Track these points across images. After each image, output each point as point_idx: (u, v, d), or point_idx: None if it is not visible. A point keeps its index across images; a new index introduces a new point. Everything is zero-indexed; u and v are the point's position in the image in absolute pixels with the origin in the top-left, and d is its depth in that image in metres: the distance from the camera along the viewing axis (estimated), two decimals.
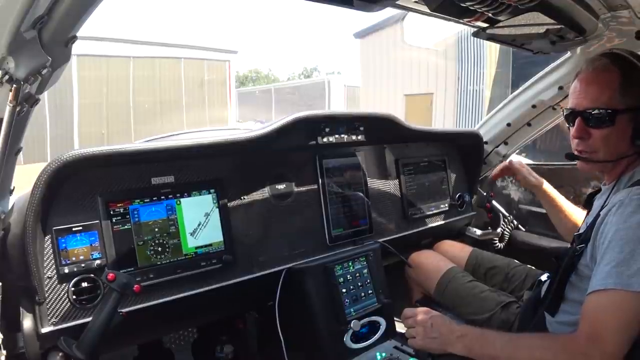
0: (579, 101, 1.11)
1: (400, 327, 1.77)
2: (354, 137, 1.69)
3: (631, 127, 1.06)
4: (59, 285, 1.12)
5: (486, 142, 2.17)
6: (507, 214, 2.23)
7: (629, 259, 0.93)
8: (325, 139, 1.61)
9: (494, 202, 2.26)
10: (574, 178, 2.00)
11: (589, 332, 0.94)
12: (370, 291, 1.55)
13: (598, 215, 1.07)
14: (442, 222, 2.05)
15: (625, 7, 1.27)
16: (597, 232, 1.03)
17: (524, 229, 2.22)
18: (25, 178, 1.19)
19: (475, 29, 1.38)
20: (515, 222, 2.22)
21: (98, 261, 1.16)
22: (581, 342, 0.95)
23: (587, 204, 1.28)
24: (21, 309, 1.11)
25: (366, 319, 1.49)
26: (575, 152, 1.16)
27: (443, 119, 12.10)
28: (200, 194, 1.36)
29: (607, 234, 0.99)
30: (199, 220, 1.35)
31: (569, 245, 1.23)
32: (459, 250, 1.93)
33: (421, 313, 1.23)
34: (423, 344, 1.19)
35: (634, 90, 1.05)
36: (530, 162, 2.42)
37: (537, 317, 1.24)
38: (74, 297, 1.13)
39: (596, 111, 1.07)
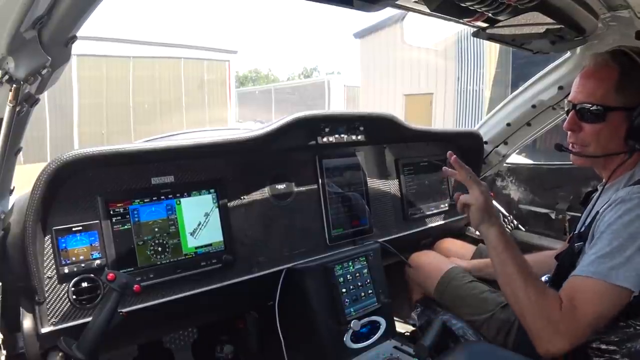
0: (575, 95, 1.12)
1: (400, 327, 1.78)
2: (353, 137, 1.69)
3: (625, 126, 1.06)
4: (59, 285, 1.12)
5: (486, 142, 2.17)
6: (507, 214, 2.24)
7: (614, 252, 0.95)
8: (325, 139, 1.61)
9: (494, 202, 2.26)
10: (573, 178, 2.01)
11: (567, 307, 0.97)
12: (370, 291, 1.55)
13: (597, 214, 1.07)
14: (442, 222, 2.05)
15: (625, 7, 1.27)
16: (594, 229, 1.04)
17: (524, 229, 2.22)
18: (25, 178, 1.19)
19: (475, 29, 1.38)
20: (515, 222, 2.22)
21: (98, 261, 1.17)
22: (561, 314, 0.97)
23: (584, 203, 1.29)
24: (21, 309, 1.11)
25: (366, 319, 1.50)
26: (569, 145, 1.17)
27: (443, 119, 12.10)
28: (200, 194, 1.36)
29: (601, 226, 1.01)
30: (199, 220, 1.35)
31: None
32: (460, 247, 1.93)
33: (485, 185, 1.19)
34: (475, 208, 1.15)
35: (631, 89, 1.05)
36: (530, 162, 2.42)
37: None
38: (74, 297, 1.13)
39: (589, 106, 1.08)
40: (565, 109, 1.18)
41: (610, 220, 0.99)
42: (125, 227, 1.22)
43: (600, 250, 0.97)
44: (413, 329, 1.76)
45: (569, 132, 1.15)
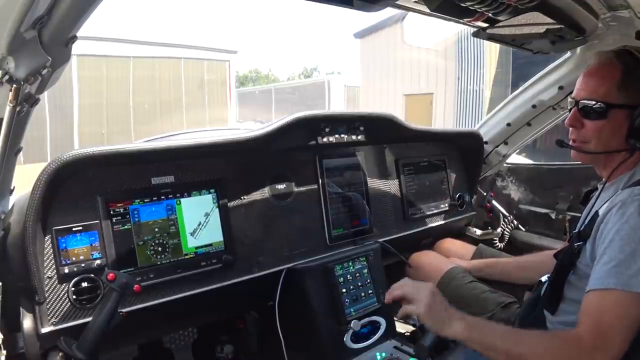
0: (578, 92, 1.13)
1: (400, 327, 1.78)
2: (354, 137, 1.69)
3: (626, 124, 1.06)
4: (59, 285, 1.12)
5: (486, 142, 2.17)
6: (507, 214, 2.24)
7: (629, 259, 0.93)
8: (325, 139, 1.61)
9: (494, 201, 2.27)
10: (573, 178, 2.01)
11: (594, 332, 0.93)
12: (370, 291, 1.55)
13: (597, 213, 1.07)
14: (442, 222, 2.05)
15: (625, 7, 1.26)
16: (597, 231, 1.03)
17: (524, 229, 2.22)
18: (25, 178, 1.19)
19: (475, 29, 1.38)
20: (516, 222, 2.22)
21: (98, 261, 1.17)
22: (585, 341, 0.93)
23: (583, 202, 1.29)
24: (21, 309, 1.11)
25: (366, 319, 1.49)
26: (570, 141, 1.17)
27: (443, 119, 12.10)
28: (200, 194, 1.36)
29: (607, 233, 0.99)
30: (199, 220, 1.35)
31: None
32: (460, 247, 1.93)
33: (427, 286, 1.14)
34: (425, 315, 1.10)
35: (633, 87, 1.05)
36: (530, 162, 2.42)
37: (536, 317, 1.24)
38: (74, 297, 1.13)
39: (591, 103, 1.08)
40: (568, 107, 1.18)
41: (617, 226, 0.97)
42: (126, 227, 1.22)
43: (614, 259, 0.95)
44: (413, 329, 1.76)
45: (570, 129, 1.16)
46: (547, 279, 1.30)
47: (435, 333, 1.10)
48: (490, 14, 1.17)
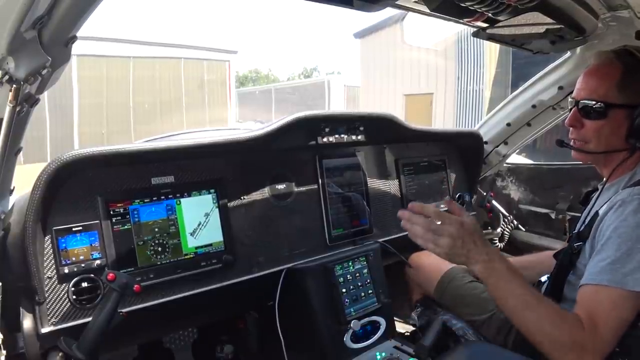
0: (578, 92, 1.13)
1: (400, 327, 1.78)
2: (354, 137, 1.69)
3: (626, 124, 1.06)
4: (59, 286, 1.12)
5: (486, 142, 2.17)
6: (507, 214, 2.24)
7: (625, 257, 0.94)
8: (325, 139, 1.61)
9: (494, 201, 2.27)
10: (573, 178, 2.01)
11: (588, 324, 0.94)
12: (370, 291, 1.55)
13: (597, 214, 1.07)
14: None
15: (625, 7, 1.27)
16: (596, 231, 1.03)
17: (524, 229, 2.22)
18: (25, 178, 1.19)
19: (475, 29, 1.38)
20: (515, 222, 2.23)
21: (98, 261, 1.17)
22: (584, 332, 0.94)
23: (583, 202, 1.29)
24: (21, 309, 1.11)
25: (366, 319, 1.49)
26: (570, 141, 1.17)
27: (443, 119, 12.10)
28: (200, 194, 1.36)
29: (605, 230, 1.00)
30: (199, 220, 1.35)
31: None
32: None
33: (455, 223, 1.06)
34: (445, 256, 1.07)
35: (633, 87, 1.05)
36: (530, 162, 2.42)
37: None
38: (74, 297, 1.13)
39: (591, 103, 1.08)
40: (569, 107, 1.18)
41: (615, 224, 0.98)
42: (125, 227, 1.22)
43: (610, 256, 0.95)
44: (413, 329, 1.76)
45: (570, 129, 1.16)
46: (547, 279, 1.30)
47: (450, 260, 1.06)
48: (490, 14, 1.17)
